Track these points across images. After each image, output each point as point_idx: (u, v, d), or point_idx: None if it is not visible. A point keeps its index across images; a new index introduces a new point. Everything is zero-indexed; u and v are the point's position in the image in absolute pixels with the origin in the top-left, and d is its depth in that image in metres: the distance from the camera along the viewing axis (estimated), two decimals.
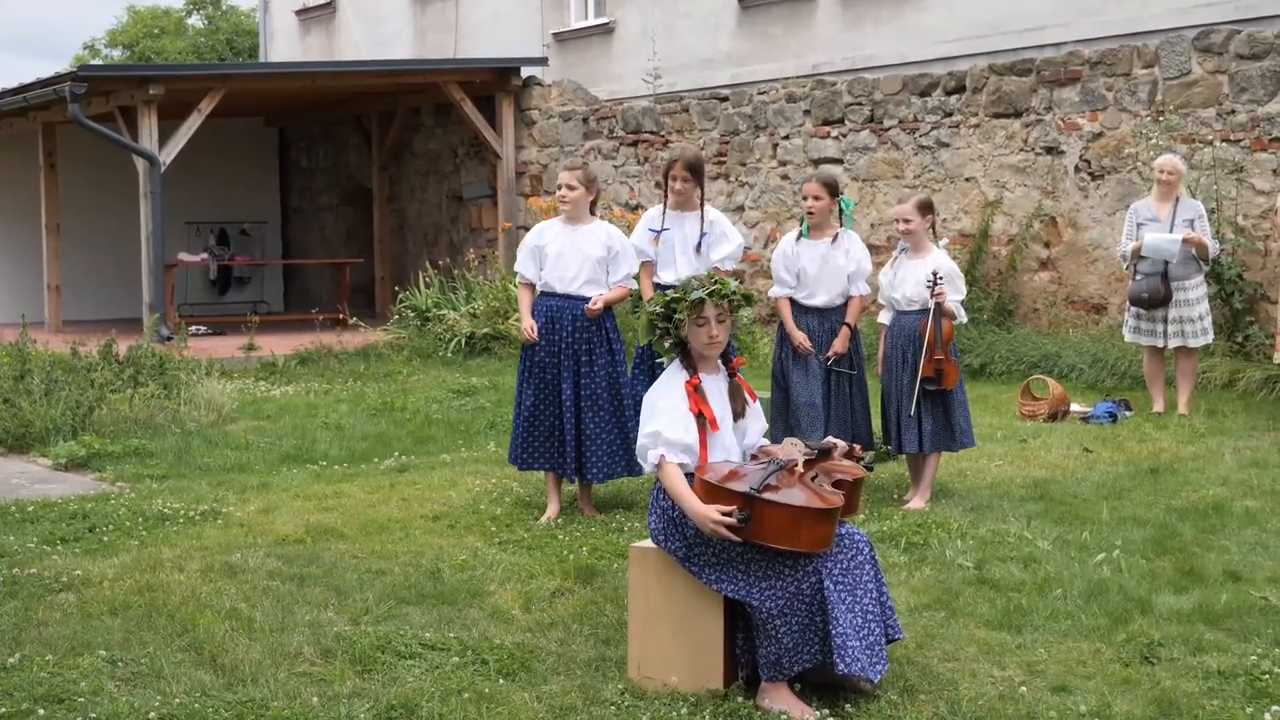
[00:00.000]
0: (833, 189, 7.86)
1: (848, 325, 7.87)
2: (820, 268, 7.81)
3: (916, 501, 7.71)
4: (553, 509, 7.61)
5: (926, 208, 7.80)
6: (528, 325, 7.69)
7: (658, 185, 7.99)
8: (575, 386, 7.59)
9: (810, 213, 7.84)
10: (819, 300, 7.87)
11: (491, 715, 4.72)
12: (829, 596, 4.72)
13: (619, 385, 7.67)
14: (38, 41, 78.57)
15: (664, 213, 7.95)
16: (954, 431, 7.79)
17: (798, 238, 7.93)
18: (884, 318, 8.00)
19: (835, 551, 4.84)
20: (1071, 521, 7.25)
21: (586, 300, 7.61)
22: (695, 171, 7.89)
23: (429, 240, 20.81)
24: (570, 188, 7.63)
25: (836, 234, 7.86)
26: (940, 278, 7.62)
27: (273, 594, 6.11)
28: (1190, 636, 5.41)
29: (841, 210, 7.91)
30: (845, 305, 7.90)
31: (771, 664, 4.77)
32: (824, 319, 7.89)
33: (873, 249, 14.59)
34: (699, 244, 7.84)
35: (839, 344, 7.83)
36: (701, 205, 7.96)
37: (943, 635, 5.50)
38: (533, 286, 7.76)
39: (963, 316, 7.76)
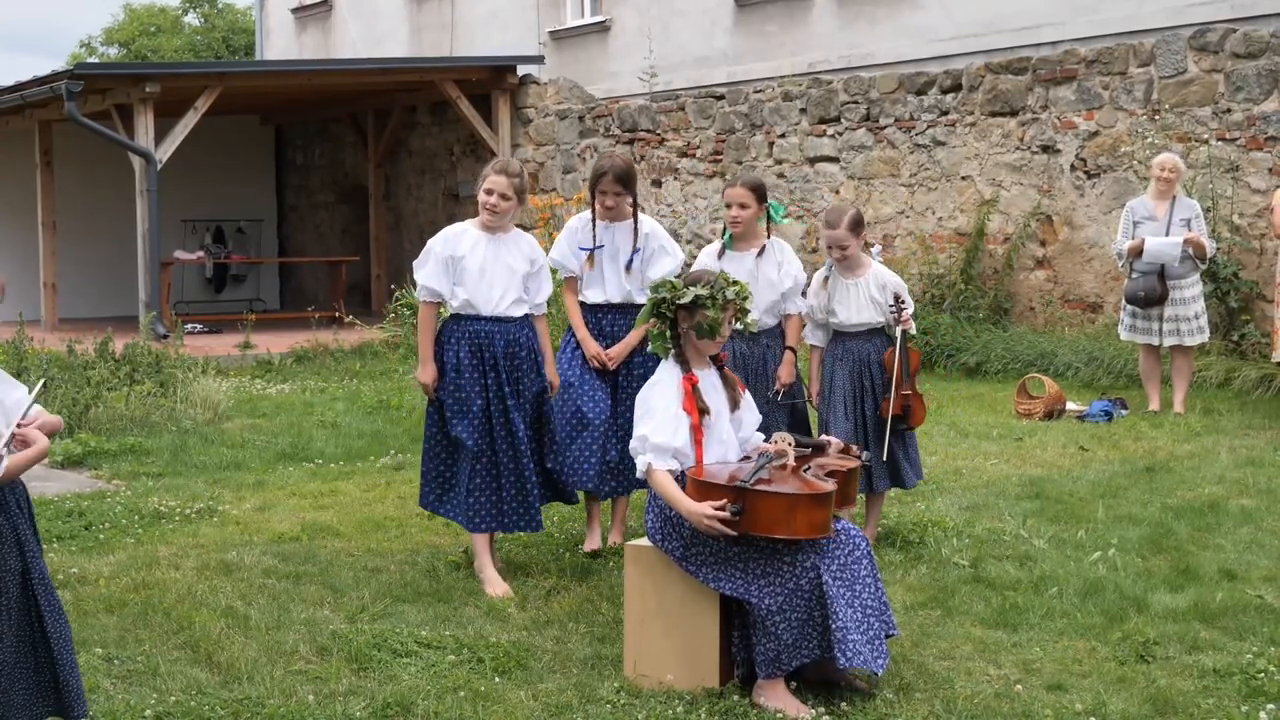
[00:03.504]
0: (760, 194, 6.76)
1: (791, 349, 6.79)
2: (750, 286, 6.65)
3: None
4: (501, 585, 6.25)
5: (858, 225, 6.79)
6: (431, 372, 6.41)
7: (592, 199, 6.85)
8: (507, 424, 6.38)
9: (735, 222, 6.74)
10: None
11: (487, 713, 4.73)
12: (828, 591, 4.73)
13: (548, 417, 6.54)
14: (34, 39, 78.58)
15: (594, 225, 6.82)
16: (905, 468, 6.94)
17: (720, 251, 6.80)
18: (815, 338, 6.99)
19: (833, 548, 4.85)
20: (1067, 520, 7.25)
21: (514, 322, 6.42)
22: (626, 184, 6.73)
23: (425, 238, 20.70)
24: (504, 197, 6.35)
25: (764, 245, 6.76)
26: (903, 301, 6.75)
27: (268, 592, 6.11)
28: (1186, 635, 5.42)
29: (770, 217, 6.83)
30: (778, 326, 6.81)
31: (770, 661, 4.77)
32: (754, 343, 6.72)
33: (870, 249, 14.64)
34: (630, 261, 6.79)
35: (785, 372, 6.72)
36: (635, 216, 6.84)
37: (938, 633, 5.51)
38: (438, 307, 6.54)
39: (912, 329, 6.85)
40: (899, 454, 6.86)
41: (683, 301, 5.08)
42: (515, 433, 6.33)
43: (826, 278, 6.87)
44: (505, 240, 6.45)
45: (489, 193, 6.37)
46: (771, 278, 6.72)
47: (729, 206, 6.75)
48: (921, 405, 6.89)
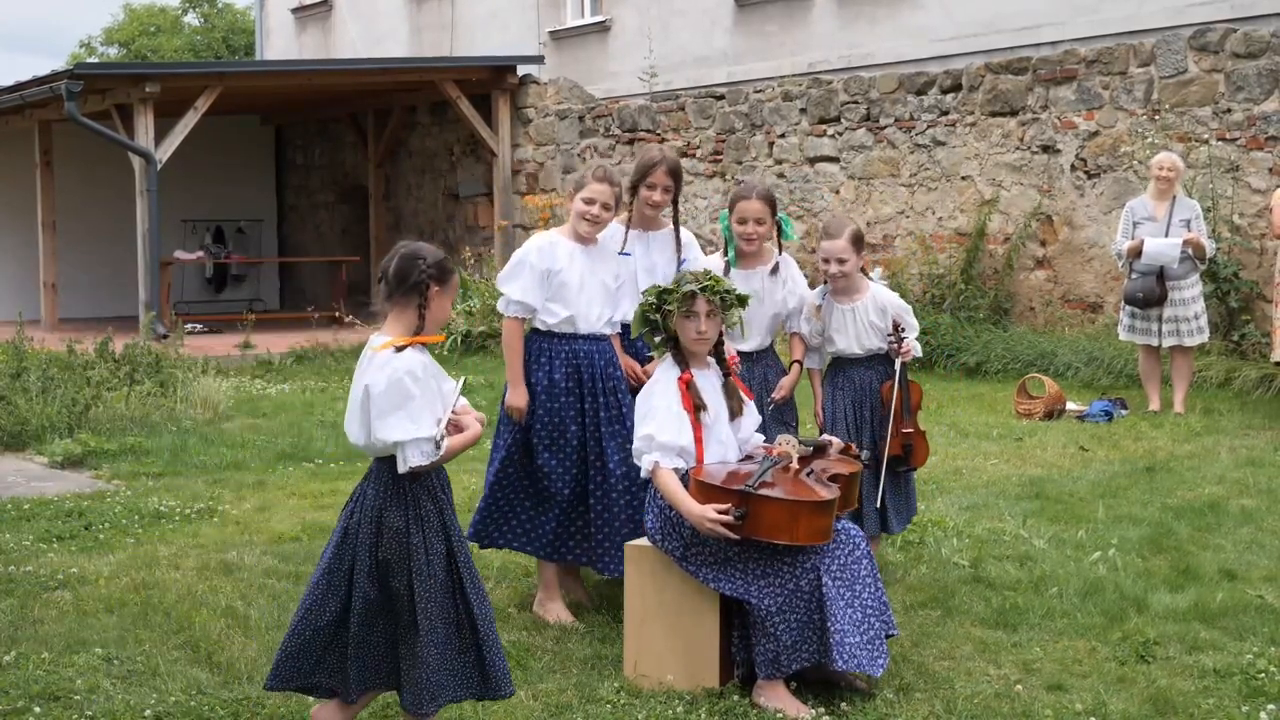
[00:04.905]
0: (774, 207, 6.08)
1: (798, 362, 6.21)
2: (755, 306, 5.80)
3: None
4: (566, 613, 5.85)
5: (860, 241, 6.08)
6: (524, 395, 5.81)
7: (632, 197, 6.04)
8: (601, 455, 5.81)
9: (750, 239, 6.02)
10: (751, 343, 6.01)
11: (487, 713, 4.72)
12: (827, 593, 4.73)
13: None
14: (34, 39, 78.59)
15: (627, 232, 6.04)
16: (891, 514, 6.21)
17: (725, 269, 6.01)
18: (811, 362, 6.32)
19: (833, 547, 4.85)
20: (1067, 520, 7.25)
21: (607, 341, 5.89)
22: (679, 179, 6.05)
23: (425, 238, 20.68)
24: (606, 207, 5.78)
25: (776, 263, 6.13)
26: (903, 329, 6.07)
27: (269, 592, 6.11)
28: (1186, 635, 5.42)
29: (781, 231, 6.12)
30: (772, 346, 6.24)
31: (769, 662, 4.77)
32: (755, 364, 6.10)
33: (870, 249, 14.64)
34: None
35: (789, 383, 6.13)
36: (676, 223, 6.14)
37: (939, 634, 5.51)
38: (526, 323, 5.89)
39: (918, 351, 6.18)
40: (890, 497, 6.16)
41: (649, 300, 5.07)
42: (608, 464, 5.78)
43: (819, 305, 6.18)
44: (595, 253, 5.90)
45: (590, 202, 5.76)
46: (779, 297, 6.14)
47: (742, 222, 5.99)
48: (924, 444, 6.21)
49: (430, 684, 4.13)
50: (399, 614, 4.15)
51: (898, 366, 6.05)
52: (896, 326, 6.06)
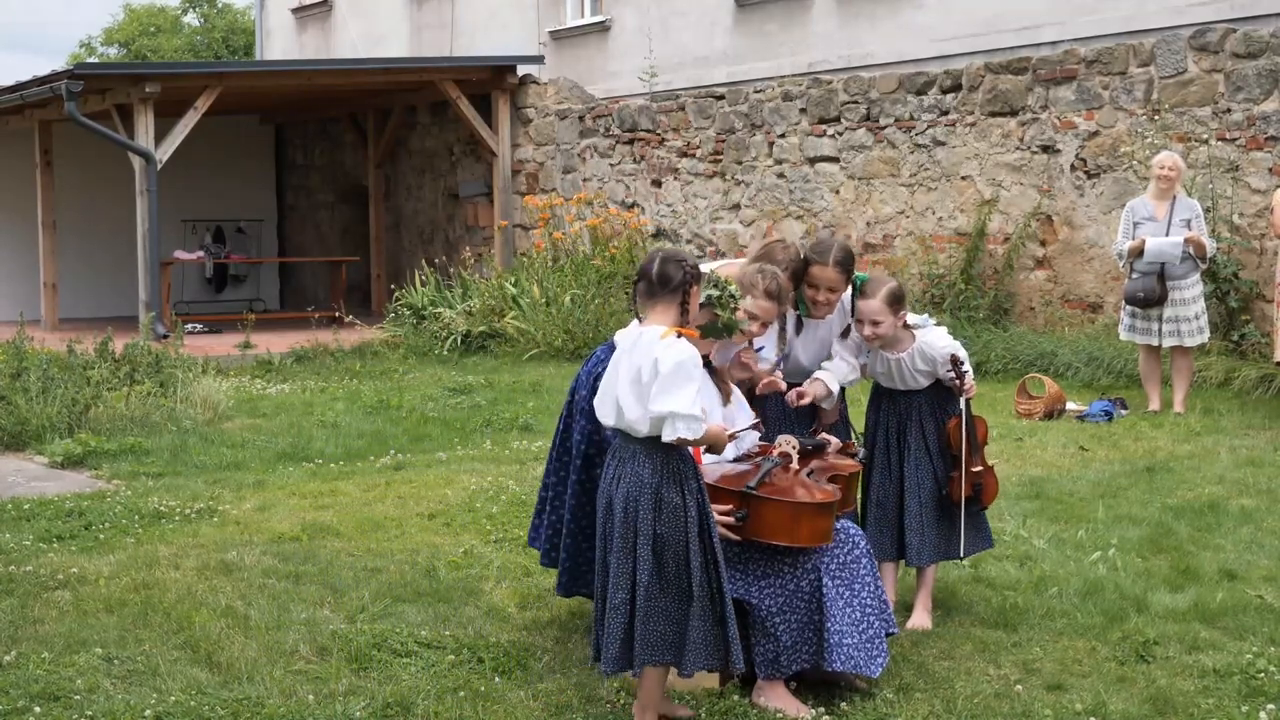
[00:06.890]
0: (850, 269, 5.68)
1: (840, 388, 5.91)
2: (816, 353, 5.84)
3: (920, 618, 5.72)
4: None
5: (898, 301, 5.68)
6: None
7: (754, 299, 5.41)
8: None
9: (816, 303, 5.68)
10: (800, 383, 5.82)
11: (487, 713, 4.73)
12: (826, 593, 4.73)
13: None
14: (34, 39, 78.62)
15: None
16: (971, 535, 5.94)
17: (798, 322, 5.79)
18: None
19: (832, 546, 4.85)
20: (1067, 520, 7.25)
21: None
22: (800, 282, 5.65)
23: (425, 238, 20.81)
24: (763, 325, 5.46)
25: (849, 326, 5.81)
26: (963, 364, 5.71)
27: (268, 592, 6.11)
28: (1186, 635, 5.43)
29: (855, 289, 5.74)
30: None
31: (769, 662, 4.77)
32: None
33: (870, 249, 14.65)
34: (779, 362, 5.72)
35: (810, 390, 5.75)
36: (784, 318, 5.72)
37: (938, 633, 5.52)
38: None
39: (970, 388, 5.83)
40: (960, 524, 5.89)
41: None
42: None
43: (864, 364, 5.87)
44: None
45: (753, 318, 5.34)
46: (836, 347, 5.86)
47: (814, 288, 5.63)
48: (994, 480, 5.97)
49: (698, 645, 4.50)
50: (677, 585, 4.48)
51: (962, 404, 5.76)
52: (956, 361, 5.71)
